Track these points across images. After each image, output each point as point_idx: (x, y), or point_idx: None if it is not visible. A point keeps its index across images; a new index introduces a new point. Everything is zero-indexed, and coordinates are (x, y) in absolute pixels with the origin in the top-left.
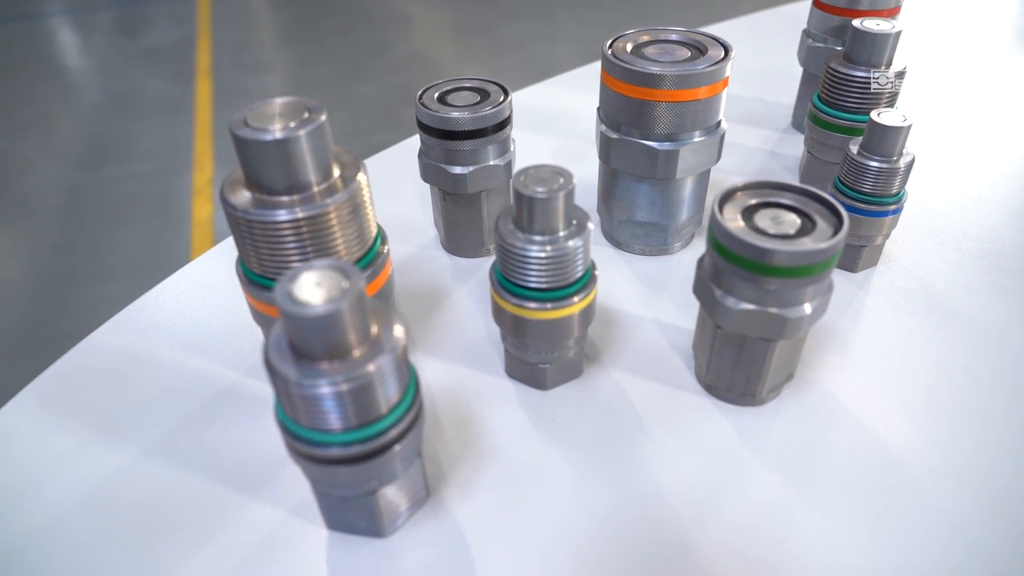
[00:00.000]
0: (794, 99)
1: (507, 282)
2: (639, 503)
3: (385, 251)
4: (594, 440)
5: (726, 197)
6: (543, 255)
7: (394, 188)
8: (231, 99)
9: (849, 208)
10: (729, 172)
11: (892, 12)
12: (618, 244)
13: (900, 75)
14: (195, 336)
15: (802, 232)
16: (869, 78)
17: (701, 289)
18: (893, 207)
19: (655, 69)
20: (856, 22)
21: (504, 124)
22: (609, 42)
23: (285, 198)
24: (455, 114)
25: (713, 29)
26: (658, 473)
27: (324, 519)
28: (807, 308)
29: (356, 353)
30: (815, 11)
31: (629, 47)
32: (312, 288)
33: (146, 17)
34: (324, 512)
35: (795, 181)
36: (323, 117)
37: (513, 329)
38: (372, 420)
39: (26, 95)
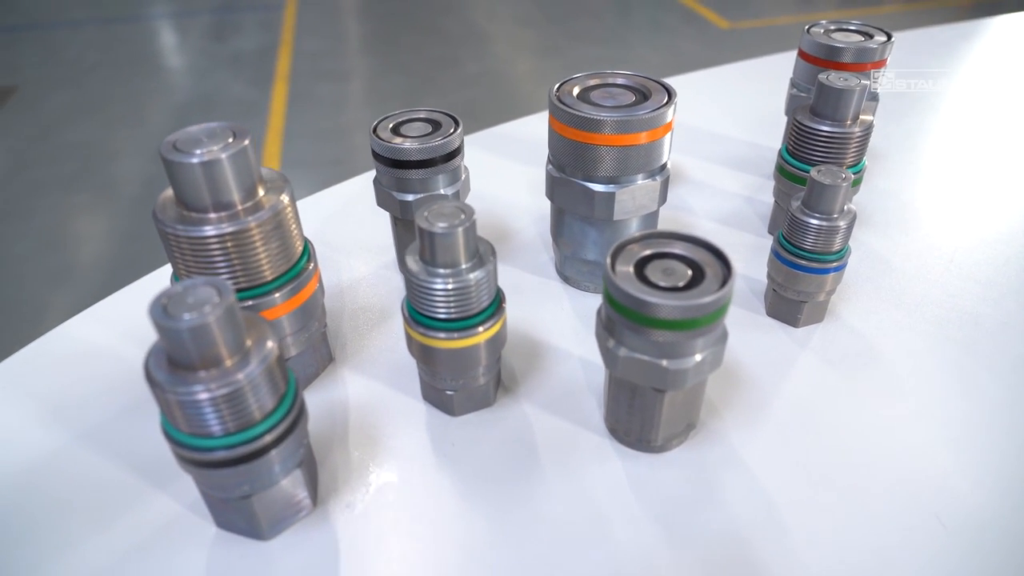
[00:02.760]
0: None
1: (415, 313)
2: (513, 538)
3: (311, 267)
4: (486, 470)
5: (621, 247)
6: (446, 287)
7: (374, 210)
8: (304, 104)
9: (790, 264)
10: (699, 215)
11: (877, 65)
12: (566, 279)
13: (867, 129)
14: (152, 335)
15: (692, 284)
16: (835, 132)
17: (598, 334)
18: (835, 264)
19: (596, 114)
20: (822, 76)
21: (454, 154)
22: (557, 85)
23: (212, 215)
24: (406, 144)
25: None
26: (539, 510)
27: (212, 517)
28: (694, 360)
29: (228, 363)
30: (800, 61)
31: (576, 91)
32: (184, 303)
33: (236, 24)
34: (211, 511)
35: (763, 228)
36: (246, 142)
37: (421, 357)
38: (245, 426)
39: (123, 91)
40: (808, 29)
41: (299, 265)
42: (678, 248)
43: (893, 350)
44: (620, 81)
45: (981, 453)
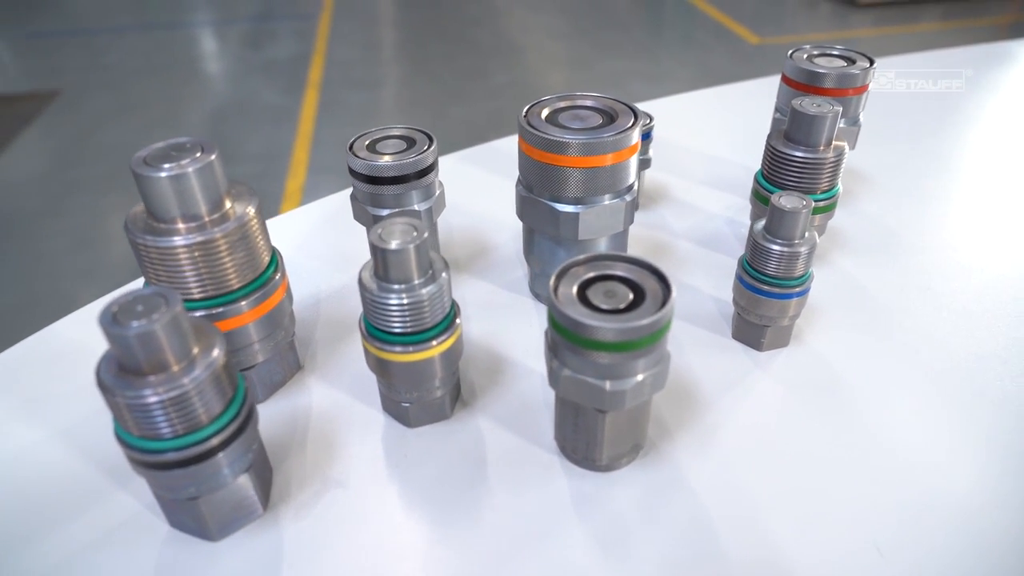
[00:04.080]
0: None
1: (371, 327)
2: (453, 550)
3: (277, 277)
4: (435, 482)
5: (565, 270)
6: (400, 303)
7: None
8: (333, 112)
9: (753, 289)
10: (677, 235)
11: (859, 91)
12: (537, 296)
13: (839, 155)
14: None
15: (633, 306)
16: (808, 158)
17: (545, 354)
18: (797, 289)
19: (561, 136)
20: (795, 102)
21: (427, 171)
22: (526, 108)
23: (180, 226)
24: (380, 161)
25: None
26: (482, 523)
27: (165, 517)
28: (633, 381)
29: (175, 368)
30: (783, 86)
31: (545, 113)
32: (134, 311)
33: (272, 32)
34: (163, 511)
35: (740, 250)
36: (213, 156)
37: (378, 370)
38: (193, 429)
39: (161, 95)
40: (791, 54)
41: (266, 275)
42: (622, 270)
43: (856, 378)
44: (589, 103)
45: (938, 489)
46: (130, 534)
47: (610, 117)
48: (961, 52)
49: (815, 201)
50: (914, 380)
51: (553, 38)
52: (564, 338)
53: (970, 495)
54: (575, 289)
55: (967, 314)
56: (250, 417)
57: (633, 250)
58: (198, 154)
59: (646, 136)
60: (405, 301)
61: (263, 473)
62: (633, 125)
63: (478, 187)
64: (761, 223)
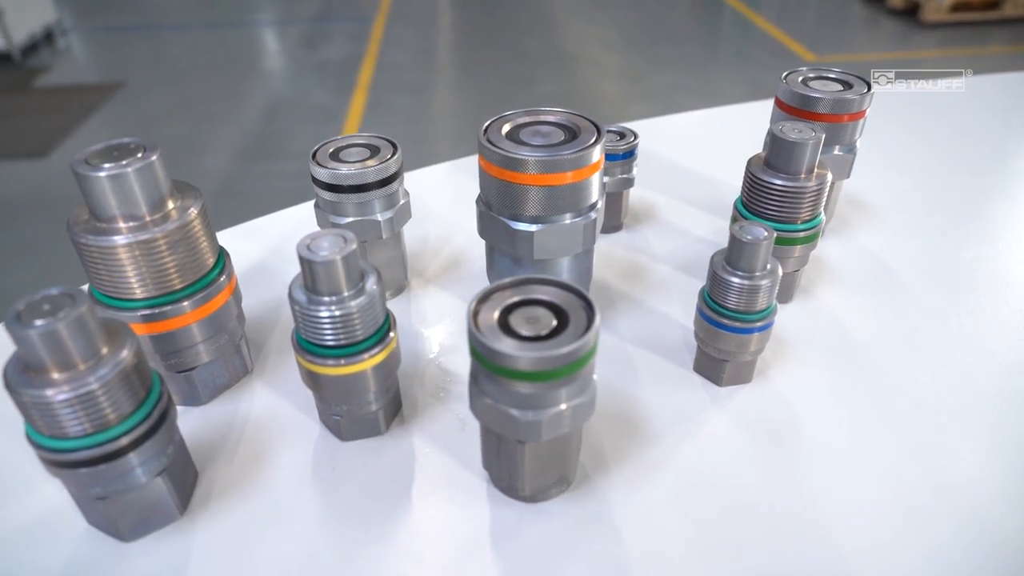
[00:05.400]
0: None
1: (302, 340)
2: (362, 568)
3: (222, 279)
4: (357, 498)
5: (488, 293)
6: (328, 315)
7: None
8: (379, 114)
9: (711, 321)
10: (658, 258)
11: (855, 117)
12: None
13: (821, 183)
14: None
15: (554, 332)
16: (788, 186)
17: (468, 378)
18: (759, 324)
19: (518, 153)
20: (775, 127)
21: (389, 180)
22: (487, 123)
23: (121, 225)
24: (341, 169)
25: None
26: (396, 544)
27: (83, 514)
28: (550, 412)
29: (81, 367)
30: (776, 110)
31: (506, 128)
32: (40, 310)
33: (328, 33)
34: (80, 508)
35: None
36: (154, 157)
37: (310, 383)
38: (101, 429)
39: (218, 91)
40: (785, 76)
41: (210, 276)
42: (548, 295)
43: (818, 424)
44: (552, 119)
45: (888, 565)
46: (49, 528)
47: (573, 133)
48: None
49: (795, 231)
50: (880, 433)
51: (605, 49)
52: (480, 364)
53: (926, 570)
54: (497, 314)
55: (951, 365)
56: (164, 419)
57: (608, 271)
58: (139, 155)
59: (630, 154)
60: (336, 313)
61: (183, 476)
62: (595, 142)
63: (467, 198)
64: (721, 255)
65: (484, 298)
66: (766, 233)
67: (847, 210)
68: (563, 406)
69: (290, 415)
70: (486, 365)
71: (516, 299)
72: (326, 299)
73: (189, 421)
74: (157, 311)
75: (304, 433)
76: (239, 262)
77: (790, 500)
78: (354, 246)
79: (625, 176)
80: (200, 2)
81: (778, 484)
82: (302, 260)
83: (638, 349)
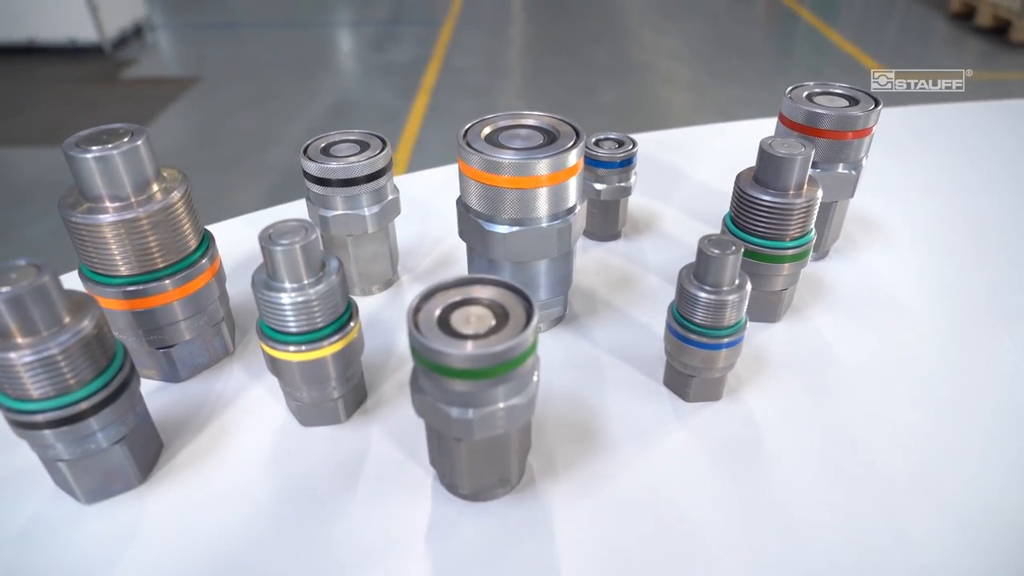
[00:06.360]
0: None
1: (264, 326)
2: (292, 550)
3: (204, 261)
4: (304, 482)
5: (432, 292)
6: (287, 301)
7: None
8: (440, 117)
9: (678, 336)
10: (650, 269)
11: (860, 134)
12: None
13: (810, 200)
14: None
15: (492, 331)
16: (776, 203)
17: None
18: (726, 340)
19: (495, 155)
20: (764, 141)
21: (376, 175)
22: (467, 125)
23: (108, 205)
24: (330, 164)
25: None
26: (331, 530)
27: (49, 475)
28: (482, 412)
29: (44, 333)
30: (780, 126)
31: (487, 131)
32: (8, 278)
33: (396, 36)
34: (46, 469)
35: None
36: (140, 141)
37: (272, 368)
38: (62, 392)
39: (288, 88)
40: (790, 91)
41: (192, 257)
42: (491, 295)
43: (781, 445)
44: (532, 123)
45: None
46: (19, 485)
47: (552, 137)
48: None
49: (784, 249)
50: (845, 465)
51: (672, 60)
52: (417, 361)
53: None
54: (439, 312)
55: (938, 401)
56: (125, 388)
57: (597, 279)
58: (126, 139)
59: (627, 163)
60: (297, 300)
61: (146, 445)
62: (573, 146)
63: None
64: (689, 269)
65: (428, 296)
66: (733, 247)
67: (855, 230)
68: (499, 405)
69: (260, 398)
70: (421, 361)
71: (459, 298)
72: (286, 286)
73: (165, 396)
74: (139, 288)
75: (270, 416)
76: (245, 249)
77: (738, 524)
78: (314, 236)
79: (623, 184)
80: (283, 1)
81: (728, 507)
82: (262, 248)
83: (611, 358)
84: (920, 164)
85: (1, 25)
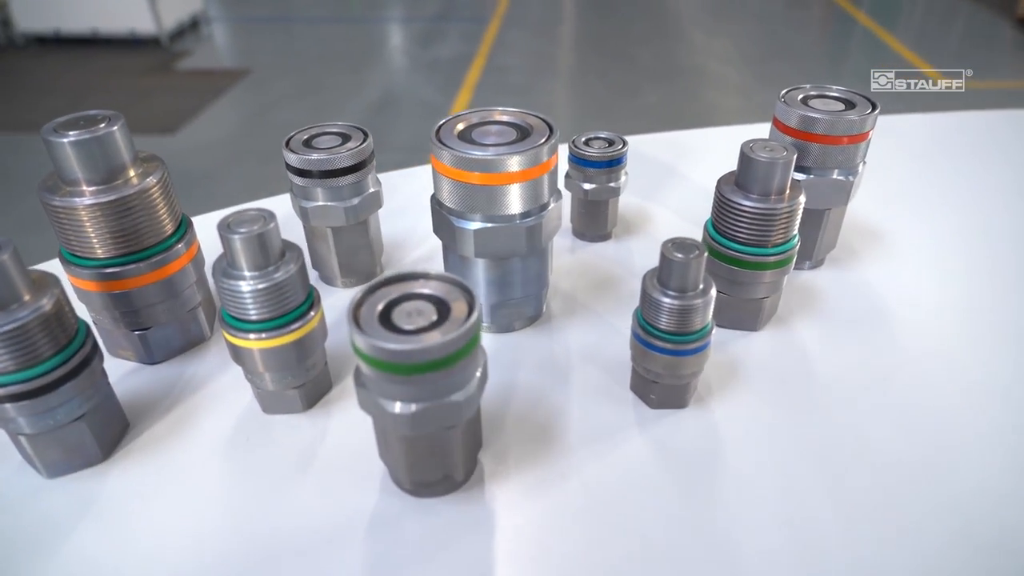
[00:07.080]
0: None
1: (227, 315)
2: (232, 538)
3: (180, 246)
4: (255, 469)
5: (377, 286)
6: (246, 289)
7: None
8: None
9: (641, 340)
10: (635, 272)
11: (856, 139)
12: None
13: (792, 205)
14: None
15: (432, 327)
16: (758, 208)
17: None
18: (691, 346)
19: (467, 152)
20: (745, 145)
21: (357, 167)
22: (441, 122)
23: (84, 188)
24: (312, 155)
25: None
26: (269, 519)
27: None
28: (412, 407)
29: (3, 311)
30: (773, 130)
31: (460, 127)
32: None
33: (442, 33)
34: (12, 442)
35: None
36: (115, 128)
37: (233, 356)
38: (22, 368)
39: (334, 81)
40: (784, 95)
41: (168, 242)
42: (437, 290)
43: (743, 457)
44: (506, 119)
45: None
46: None
47: (525, 133)
48: None
49: (766, 255)
50: (807, 481)
51: (721, 63)
52: (355, 354)
53: None
54: (382, 306)
55: (912, 422)
56: (85, 366)
57: (580, 280)
58: (103, 125)
59: (616, 163)
60: (256, 287)
61: (110, 424)
62: (545, 142)
63: None
64: (653, 274)
65: (373, 290)
66: (696, 251)
67: (856, 239)
68: (438, 402)
69: (230, 384)
70: (359, 355)
71: (403, 293)
72: (244, 274)
73: (138, 378)
74: (115, 270)
75: (237, 402)
76: None
77: (689, 536)
78: (272, 225)
79: (611, 185)
80: None
81: (680, 518)
82: (221, 236)
83: (581, 361)
84: (940, 173)
85: (67, 17)
